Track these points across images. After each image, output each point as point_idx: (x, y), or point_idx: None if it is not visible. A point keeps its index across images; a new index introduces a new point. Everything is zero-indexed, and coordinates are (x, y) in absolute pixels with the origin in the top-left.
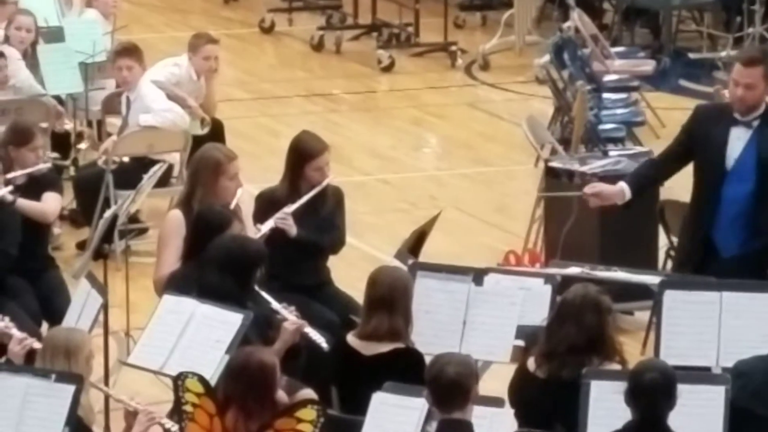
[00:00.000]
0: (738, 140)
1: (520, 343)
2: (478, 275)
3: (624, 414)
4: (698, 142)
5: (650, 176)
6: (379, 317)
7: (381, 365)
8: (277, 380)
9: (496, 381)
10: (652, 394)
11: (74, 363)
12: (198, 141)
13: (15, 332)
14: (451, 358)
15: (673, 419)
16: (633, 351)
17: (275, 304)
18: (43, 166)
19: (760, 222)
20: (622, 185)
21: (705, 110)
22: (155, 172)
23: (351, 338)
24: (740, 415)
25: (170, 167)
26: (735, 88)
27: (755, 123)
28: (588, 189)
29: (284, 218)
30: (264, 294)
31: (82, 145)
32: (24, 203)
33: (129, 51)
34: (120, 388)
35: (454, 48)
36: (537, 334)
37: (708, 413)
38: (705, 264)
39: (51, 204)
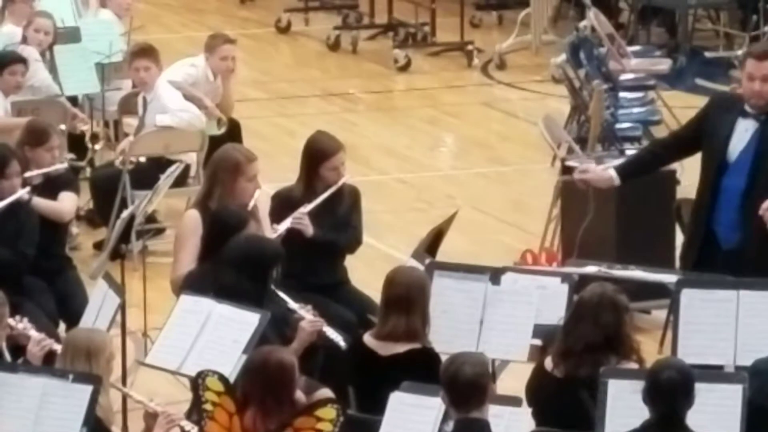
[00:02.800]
0: (745, 132)
1: (537, 342)
2: (495, 274)
3: (641, 413)
4: (706, 131)
5: (648, 161)
6: (397, 317)
7: (398, 365)
8: (296, 379)
9: (514, 380)
10: (670, 393)
11: (95, 364)
12: (215, 141)
13: (33, 333)
14: (467, 358)
15: (691, 417)
16: (650, 350)
17: (292, 304)
18: (60, 167)
19: (758, 216)
20: (612, 174)
21: (720, 99)
22: (172, 172)
23: (368, 338)
24: (757, 414)
25: (187, 167)
26: (751, 82)
27: (763, 116)
28: (577, 174)
29: (300, 218)
30: (281, 294)
31: (98, 146)
32: (40, 202)
33: (146, 52)
34: (137, 388)
35: (470, 47)
36: (554, 333)
37: (725, 412)
38: (706, 256)
39: (67, 204)
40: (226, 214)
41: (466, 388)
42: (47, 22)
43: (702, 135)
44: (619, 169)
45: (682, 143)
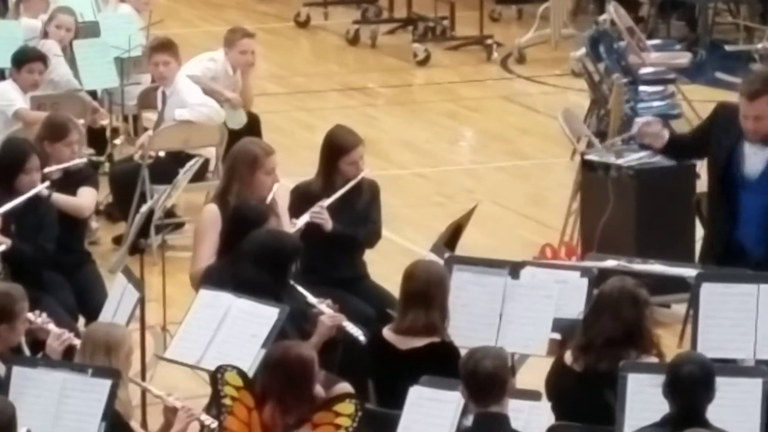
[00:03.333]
0: (755, 155)
1: (557, 336)
2: (514, 268)
3: (661, 407)
4: (714, 145)
5: (682, 145)
6: (416, 312)
7: (417, 359)
8: (315, 374)
9: (533, 374)
10: (690, 387)
11: (114, 358)
12: (234, 135)
13: (53, 328)
14: (487, 352)
15: (711, 411)
16: (670, 344)
17: (311, 298)
18: (79, 161)
19: None
20: (665, 133)
21: (725, 111)
22: (191, 166)
23: (387, 332)
24: None
25: (206, 162)
26: (744, 120)
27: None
28: (644, 127)
29: (319, 212)
30: (300, 288)
31: (118, 141)
32: (59, 197)
33: (165, 46)
34: (157, 382)
35: (489, 41)
36: (574, 327)
37: (745, 406)
38: (729, 259)
39: (86, 199)
40: (247, 209)
41: (486, 382)
42: (69, 18)
43: (708, 145)
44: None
45: (694, 141)
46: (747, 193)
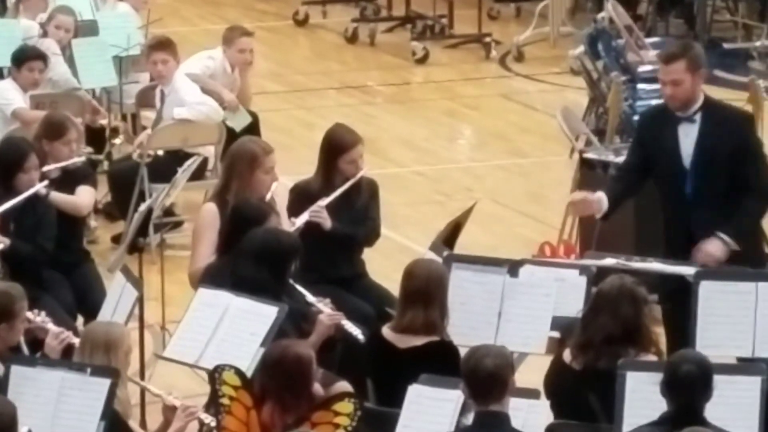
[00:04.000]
0: (686, 137)
1: (556, 334)
2: (513, 267)
3: (660, 405)
4: (651, 146)
5: (620, 190)
6: (415, 310)
7: (416, 358)
8: (313, 373)
9: (532, 372)
10: (688, 386)
11: (113, 357)
12: (233, 134)
13: (51, 327)
14: (489, 350)
15: (709, 410)
16: None
17: (310, 297)
18: (77, 160)
19: (729, 207)
20: (600, 195)
21: (649, 115)
22: (190, 165)
23: (386, 331)
24: None
25: (205, 160)
26: (663, 87)
27: (697, 116)
28: (575, 196)
29: (318, 211)
30: (299, 287)
31: (117, 140)
32: (57, 196)
33: (163, 45)
34: (156, 381)
35: (488, 39)
36: (572, 326)
37: (744, 404)
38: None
39: (84, 197)
40: (247, 207)
41: (487, 380)
42: (69, 19)
43: (648, 152)
44: (607, 196)
45: (635, 167)
46: (687, 179)
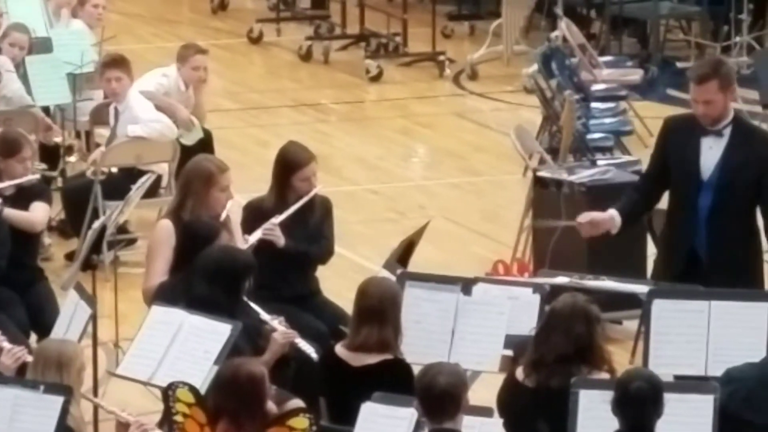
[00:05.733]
0: (710, 150)
1: (509, 352)
2: (466, 285)
3: (612, 423)
4: (672, 154)
5: (637, 200)
6: (369, 329)
7: (370, 376)
8: (266, 391)
9: (485, 390)
10: (638, 404)
11: (66, 375)
12: (187, 152)
13: (5, 344)
14: (442, 368)
15: (662, 428)
16: (622, 360)
17: (264, 315)
18: (32, 177)
19: (727, 230)
20: (612, 212)
21: (674, 122)
22: (144, 182)
23: (340, 349)
24: (731, 421)
25: (159, 178)
26: (696, 105)
27: (726, 131)
28: (581, 218)
29: (272, 229)
30: (253, 305)
31: (72, 158)
32: (11, 213)
33: (117, 62)
34: (109, 398)
35: (442, 58)
36: (525, 344)
37: (696, 422)
38: (688, 275)
39: (39, 214)
40: (198, 225)
41: (441, 398)
42: (23, 37)
43: (668, 159)
44: (619, 210)
45: (655, 176)
46: (702, 192)
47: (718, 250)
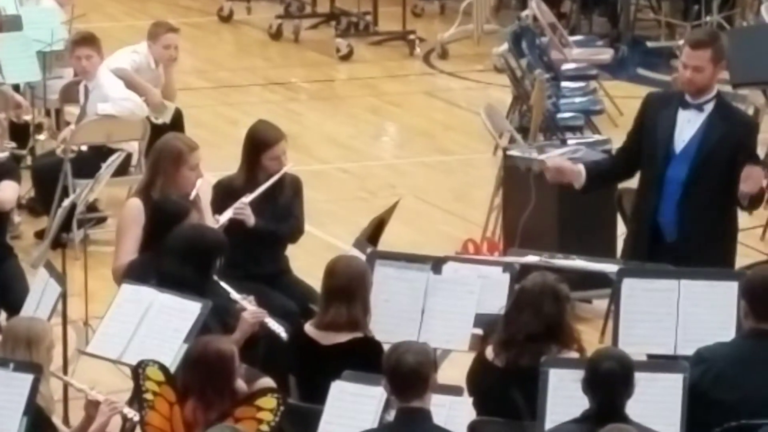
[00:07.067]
0: (688, 123)
1: (479, 331)
2: (436, 264)
3: (582, 402)
4: (647, 127)
5: (608, 168)
6: (338, 307)
7: (339, 355)
8: (235, 369)
9: (455, 369)
10: (609, 383)
11: (35, 353)
12: (157, 130)
13: None
14: (410, 347)
15: (632, 407)
16: (591, 339)
17: (234, 294)
18: (1, 155)
19: (700, 205)
20: (581, 167)
21: (656, 96)
22: (113, 161)
23: (309, 328)
24: (701, 400)
25: (129, 156)
26: (684, 70)
27: (707, 107)
28: (550, 162)
29: (242, 208)
30: (223, 284)
31: (41, 136)
32: None
33: (87, 40)
34: (78, 377)
35: (412, 37)
36: (495, 323)
37: (666, 401)
38: (652, 250)
39: (8, 192)
40: (167, 204)
41: (408, 376)
42: None
43: (644, 132)
44: (587, 168)
45: (630, 148)
46: (672, 165)
47: (689, 224)
